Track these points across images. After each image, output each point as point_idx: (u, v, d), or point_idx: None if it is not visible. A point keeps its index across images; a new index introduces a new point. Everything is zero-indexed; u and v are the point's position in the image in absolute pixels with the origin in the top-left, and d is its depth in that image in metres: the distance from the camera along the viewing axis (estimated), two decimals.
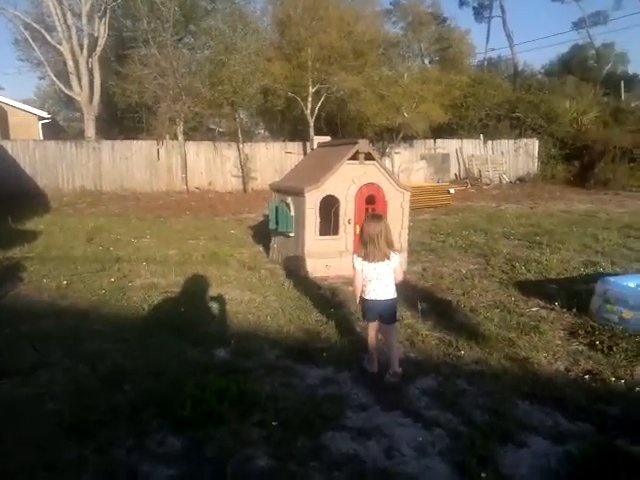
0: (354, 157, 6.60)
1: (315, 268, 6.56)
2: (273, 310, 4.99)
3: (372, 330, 3.69)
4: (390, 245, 3.64)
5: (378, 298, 3.58)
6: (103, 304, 4.93)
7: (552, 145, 23.01)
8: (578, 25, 41.11)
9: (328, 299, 5.50)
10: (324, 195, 6.52)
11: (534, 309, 5.29)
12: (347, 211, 6.64)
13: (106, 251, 7.70)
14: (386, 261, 3.57)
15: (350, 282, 6.19)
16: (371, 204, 6.69)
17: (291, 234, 6.90)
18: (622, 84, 29.74)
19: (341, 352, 3.91)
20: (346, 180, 6.57)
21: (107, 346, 3.81)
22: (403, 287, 4.67)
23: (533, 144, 22.98)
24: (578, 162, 21.97)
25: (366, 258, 3.57)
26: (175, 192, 17.91)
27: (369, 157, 6.71)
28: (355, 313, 4.97)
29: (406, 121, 19.11)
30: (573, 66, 37.14)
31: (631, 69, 37.46)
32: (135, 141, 18.32)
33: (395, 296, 3.68)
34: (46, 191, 16.71)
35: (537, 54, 68.07)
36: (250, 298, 5.42)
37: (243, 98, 16.93)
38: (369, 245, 3.55)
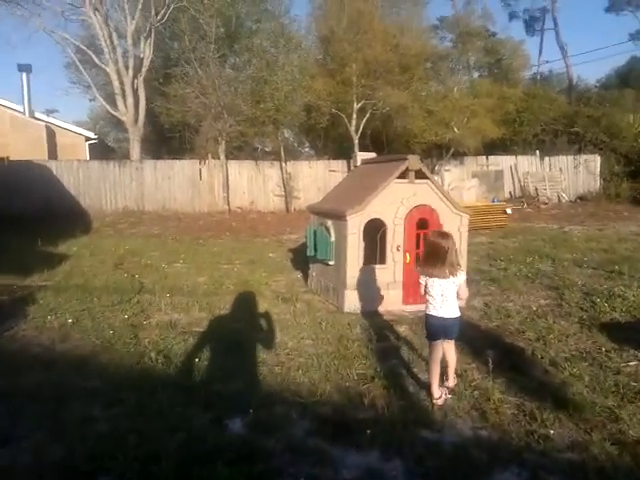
0: (403, 175, 5.75)
1: (358, 302, 5.70)
2: (306, 359, 4.17)
3: (438, 352, 3.61)
4: (457, 262, 3.57)
5: (446, 316, 3.54)
6: (106, 350, 4.25)
7: (615, 161, 21.31)
8: (635, 36, 38.83)
9: (374, 344, 4.61)
10: (369, 219, 5.69)
11: (632, 363, 4.22)
12: (395, 237, 5.77)
13: (131, 279, 7.13)
14: (452, 278, 3.49)
15: (400, 320, 5.32)
16: (423, 229, 5.80)
17: (331, 262, 6.09)
18: None
19: (391, 426, 3.02)
20: (394, 201, 5.72)
21: (96, 412, 3.09)
22: (465, 328, 4.11)
23: (594, 160, 21.34)
24: None
25: (432, 274, 3.50)
26: (217, 212, 17.52)
27: (420, 175, 5.84)
28: (410, 364, 4.09)
29: (456, 137, 18.07)
30: (631, 79, 34.95)
31: None
32: (178, 161, 18.14)
33: (460, 314, 3.64)
34: (90, 211, 16.69)
35: (591, 68, 65.00)
36: (281, 341, 4.63)
37: (285, 116, 16.42)
38: (436, 261, 3.47)
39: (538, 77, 35.49)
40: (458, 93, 18.91)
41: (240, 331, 4.87)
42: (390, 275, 5.82)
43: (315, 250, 6.34)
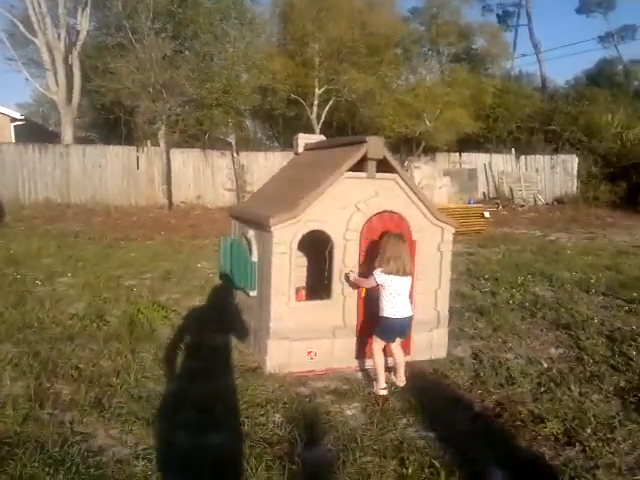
0: (359, 167, 3.80)
1: (287, 358, 3.73)
2: None
3: (380, 346, 3.53)
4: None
5: (405, 315, 3.50)
6: None
7: (593, 162, 20.04)
8: (605, 39, 38.21)
9: (302, 456, 2.66)
10: (306, 230, 3.72)
11: None
12: (346, 258, 3.82)
13: None
14: (409, 277, 3.50)
15: (349, 392, 3.39)
16: None
17: (252, 292, 4.10)
18: None
19: None
20: (345, 205, 3.77)
21: None
22: (449, 405, 3.29)
23: (572, 160, 20.01)
24: (625, 183, 18.93)
25: (395, 272, 3.41)
26: (156, 207, 15.22)
27: (385, 168, 3.91)
28: None
29: (428, 130, 16.31)
30: (601, 81, 34.25)
31: None
32: (110, 146, 15.72)
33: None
34: (3, 202, 14.14)
35: (559, 69, 64.78)
36: (143, 445, 2.62)
37: (235, 98, 14.24)
38: (397, 260, 3.41)
39: (512, 73, 34.29)
40: (431, 82, 17.15)
41: (77, 431, 2.80)
42: (337, 315, 3.87)
43: (231, 273, 4.32)
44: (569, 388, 3.61)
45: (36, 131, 21.26)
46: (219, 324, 4.70)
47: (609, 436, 2.98)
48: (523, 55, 44.92)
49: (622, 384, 3.71)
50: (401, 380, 3.61)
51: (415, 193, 4.00)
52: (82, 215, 13.91)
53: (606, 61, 36.89)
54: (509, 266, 7.77)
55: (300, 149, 4.89)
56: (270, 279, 3.69)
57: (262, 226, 3.78)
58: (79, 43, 17.53)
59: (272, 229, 3.61)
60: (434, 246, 4.11)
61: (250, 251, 4.06)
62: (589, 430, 3.02)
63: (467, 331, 4.89)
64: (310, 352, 3.79)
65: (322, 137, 5.17)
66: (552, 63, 51.61)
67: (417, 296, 4.01)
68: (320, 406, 3.24)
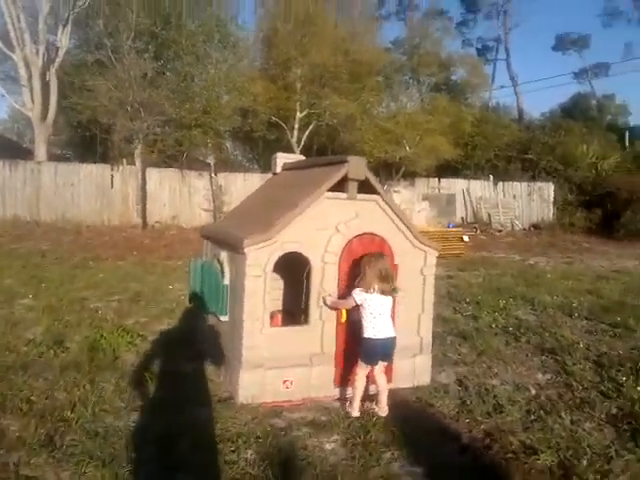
0: (339, 187, 3.64)
1: (261, 388, 3.47)
2: None
3: (365, 373, 3.43)
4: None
5: (388, 335, 3.38)
6: None
7: (569, 190, 20.44)
8: (579, 75, 39.56)
9: (282, 477, 2.41)
10: (282, 252, 3.51)
11: None
12: (325, 281, 3.61)
13: None
14: (390, 297, 3.40)
15: (328, 423, 3.15)
16: None
17: (223, 317, 3.85)
18: (627, 134, 27.46)
19: None
20: (324, 226, 3.59)
21: None
22: (434, 438, 3.06)
23: (548, 188, 20.38)
24: (600, 210, 19.29)
25: (380, 291, 3.33)
26: (129, 226, 14.82)
27: (366, 189, 3.75)
28: None
29: (408, 156, 16.39)
30: (576, 114, 35.33)
31: (633, 121, 35.56)
32: (84, 165, 15.34)
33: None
34: None
35: (536, 101, 66.62)
36: None
37: (215, 119, 14.10)
38: (381, 280, 3.33)
39: (490, 104, 35.12)
40: (411, 109, 17.32)
41: None
42: (315, 342, 3.64)
43: (201, 297, 4.07)
44: (560, 416, 3.43)
45: (9, 148, 20.75)
46: (188, 350, 4.42)
47: (606, 467, 2.80)
48: (502, 87, 45.92)
49: (614, 411, 3.55)
50: (383, 409, 3.42)
51: (397, 215, 3.84)
52: (52, 233, 13.43)
53: (580, 95, 38.15)
54: (490, 290, 7.66)
55: (278, 169, 4.70)
56: (243, 304, 3.45)
57: (235, 247, 3.55)
58: (58, 60, 17.23)
59: (246, 251, 3.39)
60: (417, 270, 3.94)
61: (222, 274, 3.82)
62: (585, 462, 2.83)
63: (450, 356, 4.70)
64: (286, 381, 3.54)
65: (301, 157, 5.00)
66: (529, 96, 53.15)
67: (399, 321, 3.81)
68: (296, 440, 2.98)
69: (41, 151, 16.94)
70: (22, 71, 16.80)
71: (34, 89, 16.85)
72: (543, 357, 4.72)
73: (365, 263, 3.39)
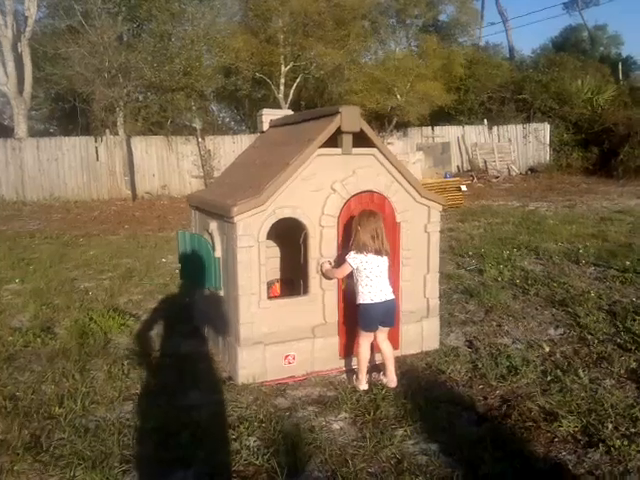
0: (333, 142, 3.32)
1: (262, 366, 3.27)
2: None
3: (368, 341, 3.24)
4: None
5: (387, 298, 3.16)
6: None
7: (565, 130, 19.92)
8: (569, 6, 38.01)
9: (288, 465, 2.23)
10: (276, 219, 3.23)
11: None
12: (323, 247, 3.35)
13: None
14: (386, 257, 3.16)
15: (335, 400, 2.96)
16: None
17: (220, 291, 3.60)
18: (620, 66, 26.59)
19: None
20: (319, 187, 3.29)
21: None
22: (440, 410, 2.86)
23: (544, 129, 19.83)
24: (597, 148, 18.87)
25: (375, 252, 3.09)
26: (119, 199, 14.47)
27: (363, 142, 3.43)
28: None
29: (400, 105, 15.84)
30: (567, 49, 34.19)
31: (624, 51, 34.47)
32: (67, 138, 14.80)
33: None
34: None
35: (526, 38, 64.58)
36: None
37: (197, 80, 13.47)
38: (375, 239, 3.09)
39: (480, 44, 33.93)
40: (401, 54, 16.62)
41: None
42: (317, 312, 3.42)
43: (192, 272, 3.81)
44: (577, 375, 3.25)
45: None
46: (184, 327, 4.21)
47: (632, 431, 2.63)
48: (491, 23, 44.33)
49: (633, 365, 3.38)
50: (392, 380, 3.22)
51: (397, 169, 3.54)
52: (39, 213, 13.08)
53: (571, 28, 36.89)
54: (492, 241, 7.44)
55: (265, 126, 4.36)
56: (236, 277, 3.20)
57: (224, 216, 3.27)
58: (28, 29, 16.34)
59: (235, 219, 3.11)
60: (420, 227, 3.67)
61: (213, 245, 3.55)
62: (610, 426, 2.65)
63: (458, 315, 4.51)
64: (287, 356, 3.34)
65: (289, 112, 4.64)
66: (518, 32, 51.39)
67: (403, 284, 3.59)
68: (302, 421, 2.80)
69: (21, 127, 16.30)
70: None
71: (7, 62, 16.06)
72: (554, 310, 4.53)
73: (356, 223, 3.14)
